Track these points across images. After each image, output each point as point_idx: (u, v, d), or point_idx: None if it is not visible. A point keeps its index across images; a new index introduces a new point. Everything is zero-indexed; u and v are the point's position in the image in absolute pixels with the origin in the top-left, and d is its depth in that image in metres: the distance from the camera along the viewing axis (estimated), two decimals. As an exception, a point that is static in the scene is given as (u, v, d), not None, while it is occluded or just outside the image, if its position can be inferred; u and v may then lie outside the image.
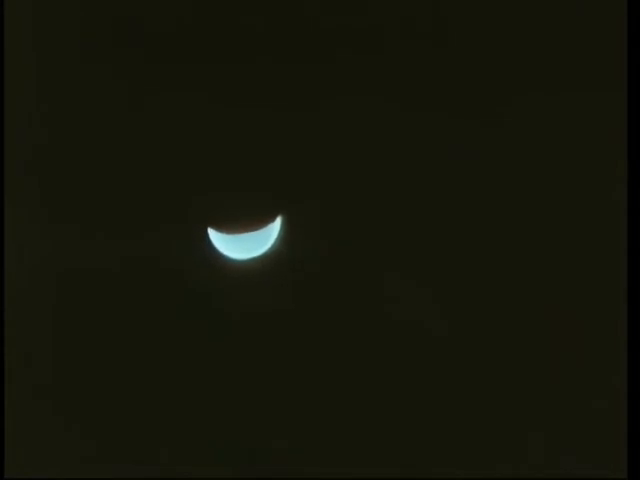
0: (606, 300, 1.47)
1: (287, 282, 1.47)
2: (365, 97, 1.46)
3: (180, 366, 1.47)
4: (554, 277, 1.48)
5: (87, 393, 1.47)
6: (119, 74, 1.45)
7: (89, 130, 1.46)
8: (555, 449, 1.46)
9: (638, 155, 1.40)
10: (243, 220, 1.45)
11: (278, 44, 1.45)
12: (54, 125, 1.46)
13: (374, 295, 1.47)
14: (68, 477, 1.45)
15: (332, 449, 1.47)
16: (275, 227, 1.45)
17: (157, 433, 1.47)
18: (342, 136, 1.46)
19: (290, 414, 1.48)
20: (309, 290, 1.47)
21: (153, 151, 1.46)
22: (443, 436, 1.47)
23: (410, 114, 1.47)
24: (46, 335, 1.47)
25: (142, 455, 1.47)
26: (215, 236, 1.45)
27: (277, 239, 1.45)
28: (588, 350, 1.47)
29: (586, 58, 1.47)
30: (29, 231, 1.46)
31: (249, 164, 1.46)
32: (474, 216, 1.48)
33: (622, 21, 1.45)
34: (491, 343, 1.47)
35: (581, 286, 1.47)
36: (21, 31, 1.46)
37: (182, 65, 1.45)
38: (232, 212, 1.45)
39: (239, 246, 1.45)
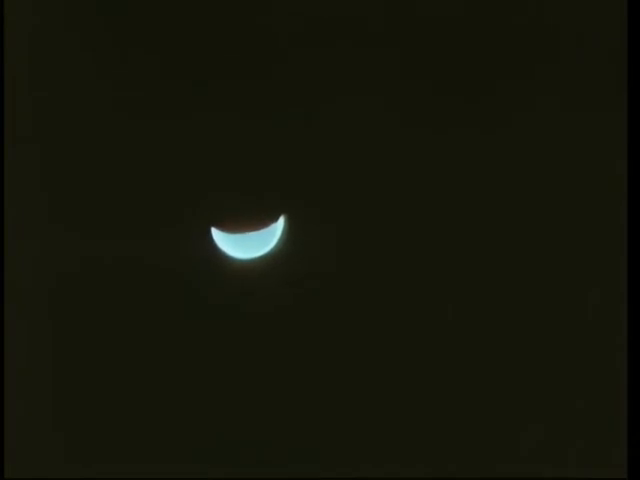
0: (606, 300, 1.47)
1: (289, 281, 1.47)
2: (365, 97, 1.46)
3: (180, 366, 1.47)
4: (554, 277, 1.48)
5: (87, 393, 1.47)
6: (118, 75, 1.45)
7: (90, 130, 1.46)
8: (555, 449, 1.47)
9: (638, 155, 1.40)
10: (246, 219, 1.45)
11: (277, 44, 1.45)
12: (54, 125, 1.46)
13: (375, 295, 1.47)
14: (68, 477, 1.45)
15: (332, 449, 1.47)
16: (278, 227, 1.45)
17: (157, 433, 1.47)
18: (343, 136, 1.46)
19: (290, 414, 1.48)
20: (311, 289, 1.47)
21: (155, 150, 1.46)
22: (443, 436, 1.47)
23: (410, 115, 1.47)
24: (46, 335, 1.47)
25: (142, 455, 1.47)
26: (218, 235, 1.45)
27: (280, 238, 1.46)
28: (588, 350, 1.47)
29: (586, 58, 1.47)
30: (29, 231, 1.46)
31: (252, 163, 1.46)
32: (474, 216, 1.48)
33: (622, 21, 1.45)
34: (491, 343, 1.48)
35: (581, 286, 1.48)
36: (21, 31, 1.46)
37: (182, 66, 1.45)
38: (235, 211, 1.45)
39: (242, 245, 1.45)
